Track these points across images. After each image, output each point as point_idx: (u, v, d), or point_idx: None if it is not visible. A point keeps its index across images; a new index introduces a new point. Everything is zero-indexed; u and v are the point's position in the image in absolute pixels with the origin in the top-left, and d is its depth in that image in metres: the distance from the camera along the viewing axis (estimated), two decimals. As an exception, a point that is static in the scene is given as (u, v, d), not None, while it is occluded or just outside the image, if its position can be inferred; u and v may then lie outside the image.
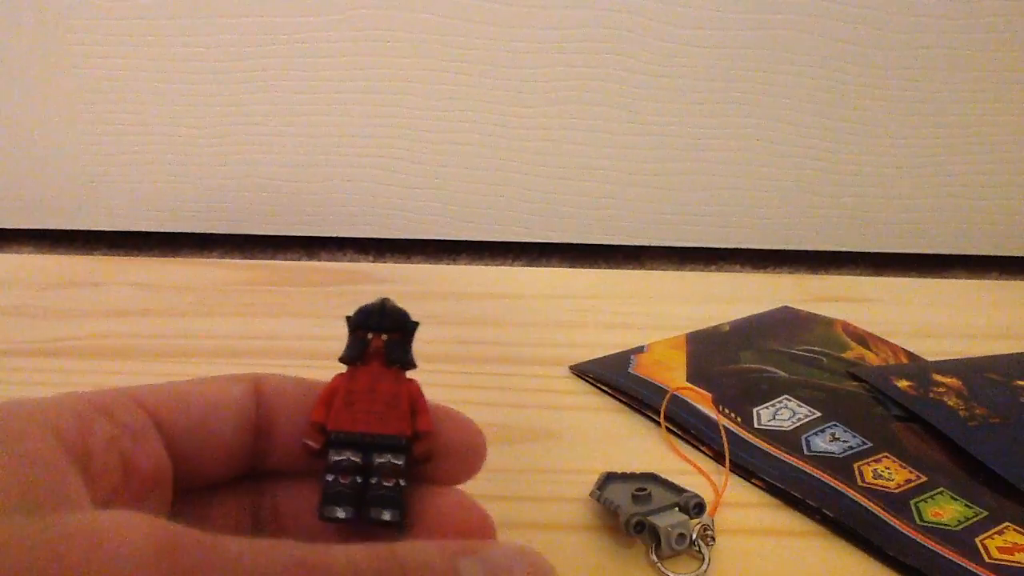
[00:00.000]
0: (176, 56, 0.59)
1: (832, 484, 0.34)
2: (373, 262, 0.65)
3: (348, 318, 0.24)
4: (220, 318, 0.51)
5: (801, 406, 0.40)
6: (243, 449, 0.22)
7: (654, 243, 0.64)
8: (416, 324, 0.24)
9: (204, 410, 0.21)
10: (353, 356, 0.23)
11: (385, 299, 0.24)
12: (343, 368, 0.24)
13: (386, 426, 0.22)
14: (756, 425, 0.39)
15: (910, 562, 0.30)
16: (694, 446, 0.38)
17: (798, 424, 0.39)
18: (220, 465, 0.22)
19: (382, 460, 0.22)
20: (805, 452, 0.37)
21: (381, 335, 0.23)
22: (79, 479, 0.17)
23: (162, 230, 0.64)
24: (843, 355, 0.46)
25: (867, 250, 0.65)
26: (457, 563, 0.18)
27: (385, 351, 0.23)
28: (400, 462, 0.22)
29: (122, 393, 0.20)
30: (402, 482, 0.22)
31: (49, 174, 0.62)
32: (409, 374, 0.24)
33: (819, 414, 0.39)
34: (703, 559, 0.31)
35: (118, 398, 0.20)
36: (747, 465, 0.36)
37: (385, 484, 0.22)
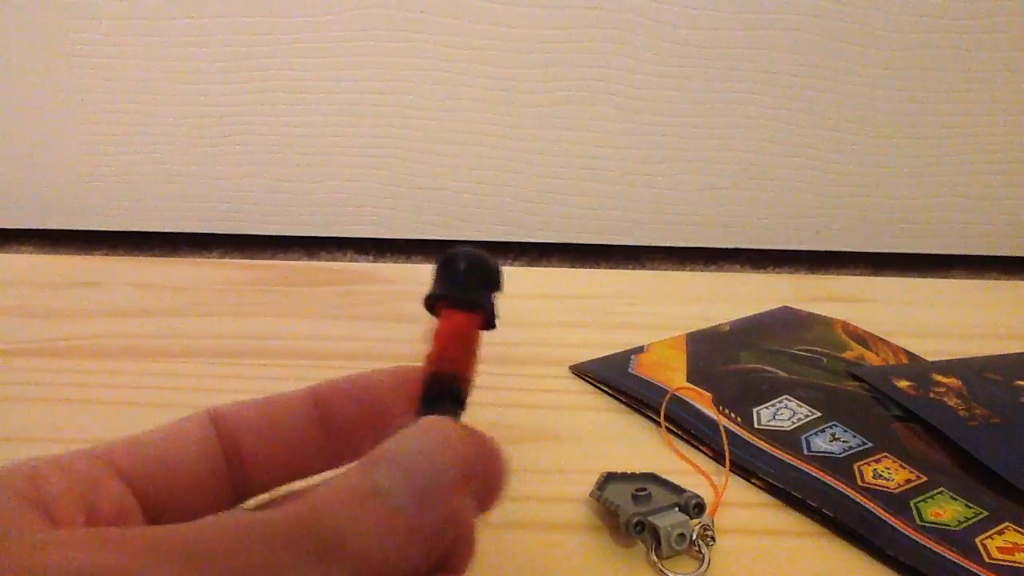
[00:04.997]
0: (176, 56, 0.59)
1: (832, 484, 0.34)
2: (373, 262, 0.65)
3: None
4: (220, 318, 0.51)
5: (801, 406, 0.40)
6: (215, 479, 0.22)
7: (654, 243, 0.64)
8: (496, 273, 0.25)
9: (160, 446, 0.21)
10: (432, 304, 0.24)
11: (460, 250, 0.24)
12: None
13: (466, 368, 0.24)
14: (756, 425, 0.39)
15: (910, 562, 0.30)
16: (694, 446, 0.38)
17: (798, 424, 0.39)
18: (197, 500, 0.22)
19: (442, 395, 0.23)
20: (805, 452, 0.37)
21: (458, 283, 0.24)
22: (39, 520, 0.17)
23: (162, 230, 0.64)
24: (843, 355, 0.46)
25: (867, 250, 0.65)
26: (374, 478, 0.16)
27: (463, 297, 0.24)
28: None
29: (77, 451, 0.20)
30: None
31: (49, 174, 0.62)
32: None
33: (819, 414, 0.39)
34: (703, 559, 0.31)
35: (73, 455, 0.20)
36: (747, 465, 0.36)
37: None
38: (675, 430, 0.39)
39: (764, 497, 0.35)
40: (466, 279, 0.24)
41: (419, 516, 0.16)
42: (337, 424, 0.23)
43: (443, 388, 0.22)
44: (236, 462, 0.22)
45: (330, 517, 0.15)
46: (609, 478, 0.34)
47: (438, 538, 0.16)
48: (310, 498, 0.16)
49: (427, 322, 0.24)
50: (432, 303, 0.24)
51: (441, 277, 0.24)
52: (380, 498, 0.16)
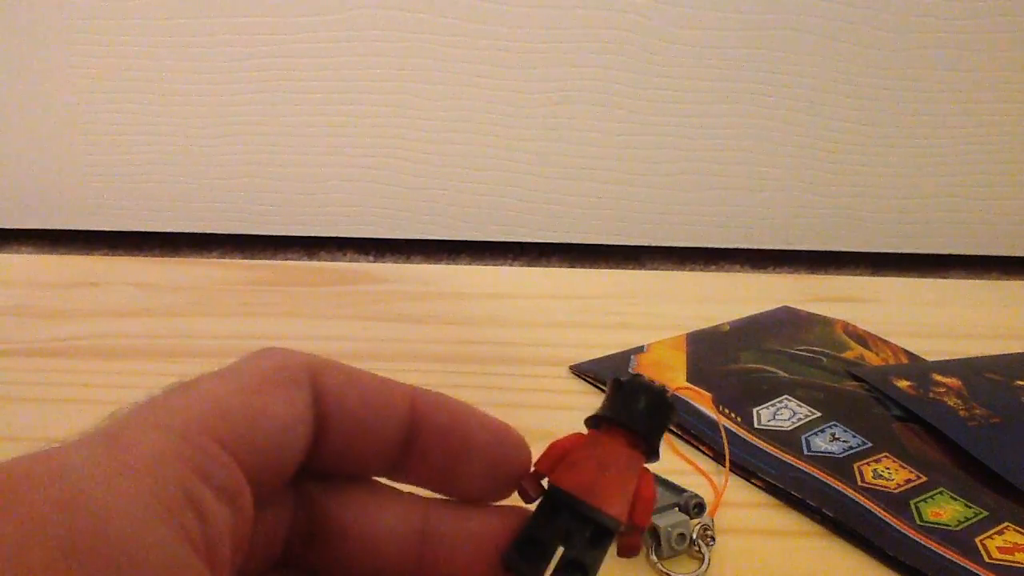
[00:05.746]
0: (176, 56, 0.59)
1: (832, 484, 0.34)
2: (373, 262, 0.65)
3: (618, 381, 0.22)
4: (220, 318, 0.51)
5: (801, 406, 0.40)
6: (301, 460, 0.20)
7: (654, 243, 0.64)
8: (674, 419, 0.22)
9: (277, 438, 0.18)
10: (597, 417, 0.22)
11: (655, 382, 0.22)
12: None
13: (603, 502, 0.21)
14: (756, 425, 0.39)
15: (910, 562, 0.30)
16: (694, 446, 0.38)
17: (798, 424, 0.39)
18: (279, 484, 0.20)
19: (585, 533, 0.20)
20: (805, 452, 0.37)
21: (636, 409, 0.21)
22: None
23: (162, 230, 0.64)
24: (843, 355, 0.46)
25: (867, 250, 0.65)
26: None
27: (637, 425, 0.21)
28: (599, 542, 0.20)
29: (199, 430, 0.17)
30: (589, 562, 0.20)
31: (49, 174, 0.62)
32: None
33: (819, 414, 0.39)
34: (703, 559, 0.31)
35: (203, 446, 0.17)
36: (747, 465, 0.36)
37: (572, 556, 0.20)
38: (675, 430, 0.39)
39: (764, 497, 0.35)
40: (658, 427, 0.21)
41: None
42: (416, 441, 0.21)
43: (605, 533, 0.20)
44: (317, 442, 0.20)
45: None
46: (609, 478, 0.34)
47: None
48: None
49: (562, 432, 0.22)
50: (612, 428, 0.21)
51: (649, 416, 0.21)
52: None
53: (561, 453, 0.22)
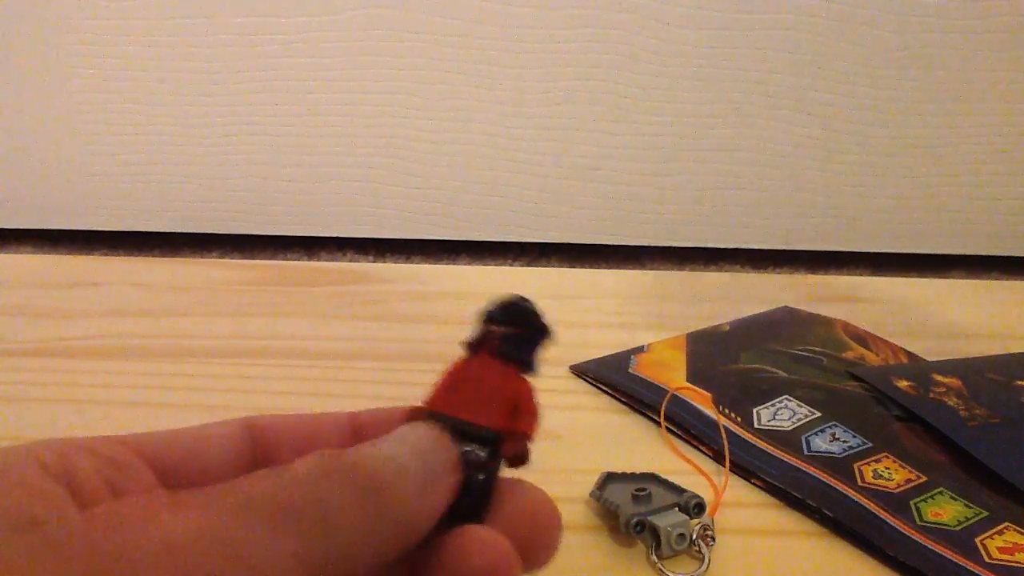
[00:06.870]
0: (176, 56, 0.59)
1: (832, 484, 0.34)
2: (373, 262, 0.65)
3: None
4: (220, 318, 0.51)
5: (801, 406, 0.40)
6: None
7: (654, 243, 0.64)
8: (545, 330, 0.24)
9: (193, 444, 0.21)
10: (466, 342, 0.24)
11: (521, 297, 0.24)
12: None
13: (478, 417, 0.22)
14: (756, 425, 0.39)
15: (910, 562, 0.30)
16: (694, 446, 0.38)
17: (798, 424, 0.39)
18: None
19: (467, 450, 0.22)
20: (805, 452, 0.37)
21: (499, 327, 0.23)
22: (66, 496, 0.17)
23: (162, 230, 0.64)
24: (843, 355, 0.46)
25: (867, 250, 0.65)
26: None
27: (498, 343, 0.23)
28: (483, 454, 0.22)
29: (107, 436, 0.20)
30: (481, 476, 0.22)
31: (49, 174, 0.62)
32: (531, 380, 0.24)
33: (819, 414, 0.39)
34: (703, 559, 0.31)
35: (99, 439, 0.20)
36: (747, 465, 0.36)
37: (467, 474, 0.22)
38: (675, 430, 0.39)
39: (764, 497, 0.35)
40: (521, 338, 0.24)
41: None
42: (274, 459, 0.23)
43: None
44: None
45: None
46: (609, 478, 0.34)
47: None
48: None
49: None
50: (475, 349, 0.23)
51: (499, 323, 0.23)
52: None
53: (445, 382, 0.23)
